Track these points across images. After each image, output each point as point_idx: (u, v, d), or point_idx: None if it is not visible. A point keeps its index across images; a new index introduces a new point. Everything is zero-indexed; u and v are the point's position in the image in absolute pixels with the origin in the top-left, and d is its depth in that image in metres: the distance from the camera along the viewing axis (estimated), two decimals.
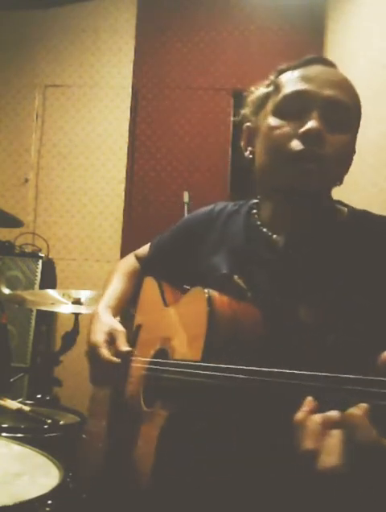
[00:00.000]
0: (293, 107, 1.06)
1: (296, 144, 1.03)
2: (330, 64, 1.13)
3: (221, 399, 0.95)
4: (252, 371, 0.82)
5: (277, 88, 1.11)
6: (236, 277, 1.16)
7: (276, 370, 0.79)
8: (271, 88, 1.13)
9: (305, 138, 1.02)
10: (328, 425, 0.65)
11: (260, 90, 1.17)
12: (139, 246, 1.55)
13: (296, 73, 1.10)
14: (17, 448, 1.33)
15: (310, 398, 0.70)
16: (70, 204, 4.21)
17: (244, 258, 1.18)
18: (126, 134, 4.19)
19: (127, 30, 4.26)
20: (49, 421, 1.75)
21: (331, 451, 0.63)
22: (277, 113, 1.09)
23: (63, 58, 4.28)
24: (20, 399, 2.04)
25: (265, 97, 1.14)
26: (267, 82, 1.16)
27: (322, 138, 1.02)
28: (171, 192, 4.09)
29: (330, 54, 3.87)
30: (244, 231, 1.22)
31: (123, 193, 4.16)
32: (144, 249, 1.52)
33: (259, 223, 1.19)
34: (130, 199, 4.17)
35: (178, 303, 1.26)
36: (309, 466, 0.65)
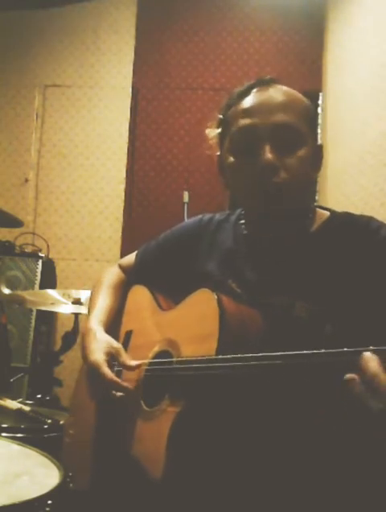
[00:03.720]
0: (245, 143, 1.15)
1: (256, 181, 1.13)
2: (268, 83, 1.18)
3: (236, 389, 1.01)
4: (273, 356, 0.94)
5: (227, 126, 1.20)
6: (229, 281, 1.23)
7: (289, 353, 0.91)
8: (221, 128, 1.22)
9: (262, 173, 1.11)
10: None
11: (213, 131, 1.26)
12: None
13: (239, 107, 1.17)
14: (17, 448, 1.32)
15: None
16: (70, 204, 4.21)
17: (235, 264, 1.25)
18: (126, 134, 4.19)
19: (127, 30, 4.26)
20: (49, 421, 1.75)
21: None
22: (233, 151, 1.18)
23: (63, 58, 4.29)
24: (20, 399, 2.03)
25: (221, 137, 1.23)
26: (217, 123, 1.24)
27: (275, 168, 1.11)
28: (171, 191, 4.09)
29: (330, 54, 3.87)
30: (233, 239, 1.30)
31: (123, 193, 4.16)
32: (129, 259, 1.53)
33: (246, 232, 1.28)
34: (130, 199, 4.17)
35: (178, 307, 1.28)
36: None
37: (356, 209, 3.43)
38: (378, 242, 1.12)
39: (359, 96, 3.41)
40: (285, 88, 1.18)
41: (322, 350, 0.88)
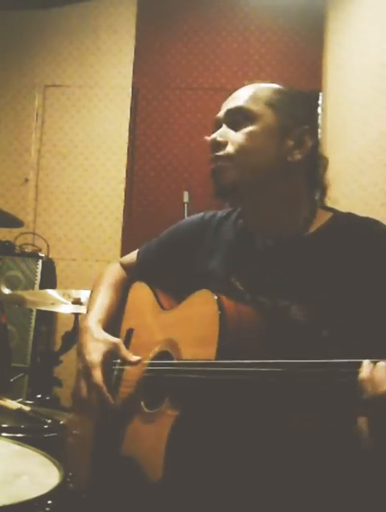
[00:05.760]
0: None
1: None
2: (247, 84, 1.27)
3: (237, 394, 1.01)
4: (273, 364, 0.93)
5: None
6: (233, 279, 1.22)
7: (290, 361, 0.91)
8: None
9: (211, 149, 1.22)
10: None
11: None
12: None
13: None
14: (17, 448, 1.32)
15: (367, 361, 0.85)
16: (70, 204, 4.21)
17: (237, 262, 1.24)
18: (126, 134, 4.19)
19: (127, 30, 4.26)
20: (49, 421, 1.75)
21: None
22: None
23: (63, 58, 4.28)
24: (20, 399, 2.03)
25: None
26: None
27: (218, 143, 1.20)
28: (171, 191, 4.09)
29: (330, 54, 3.87)
30: (234, 237, 1.29)
31: (123, 193, 4.16)
32: (130, 257, 1.52)
33: (244, 229, 1.27)
34: (130, 199, 4.17)
35: (179, 306, 1.27)
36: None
37: (356, 209, 3.42)
38: (380, 248, 1.09)
39: (359, 96, 3.41)
40: (256, 83, 1.25)
41: (320, 360, 0.88)
